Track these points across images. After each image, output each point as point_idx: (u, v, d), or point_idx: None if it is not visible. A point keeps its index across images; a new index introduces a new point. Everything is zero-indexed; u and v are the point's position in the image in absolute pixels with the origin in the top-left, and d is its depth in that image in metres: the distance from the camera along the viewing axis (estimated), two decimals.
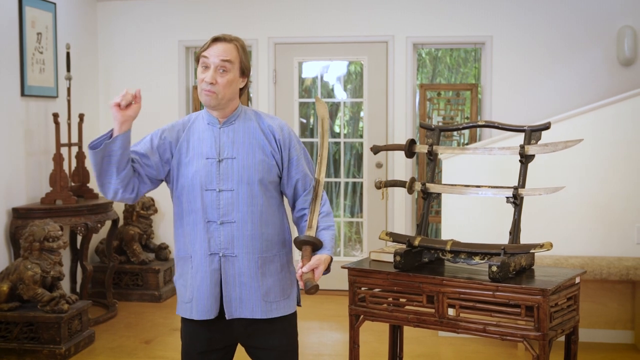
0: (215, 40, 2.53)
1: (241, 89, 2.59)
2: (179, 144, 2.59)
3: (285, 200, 2.66)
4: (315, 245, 2.48)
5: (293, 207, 2.66)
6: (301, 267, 2.41)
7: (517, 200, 2.89)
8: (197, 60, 2.59)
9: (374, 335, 4.84)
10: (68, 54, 5.50)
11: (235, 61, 2.53)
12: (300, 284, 2.42)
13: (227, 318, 2.53)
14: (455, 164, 4.92)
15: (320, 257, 2.46)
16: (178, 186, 2.58)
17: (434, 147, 3.11)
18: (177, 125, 2.64)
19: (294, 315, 2.65)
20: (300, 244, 2.49)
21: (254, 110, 2.66)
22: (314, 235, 2.51)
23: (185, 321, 2.62)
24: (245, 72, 2.58)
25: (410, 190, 3.14)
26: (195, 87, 6.43)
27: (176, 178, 2.58)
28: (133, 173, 2.55)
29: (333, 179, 6.47)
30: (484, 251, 2.85)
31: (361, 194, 6.40)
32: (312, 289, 2.36)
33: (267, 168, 2.55)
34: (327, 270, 2.50)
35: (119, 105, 2.46)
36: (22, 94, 5.26)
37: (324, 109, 2.76)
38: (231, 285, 2.52)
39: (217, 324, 2.55)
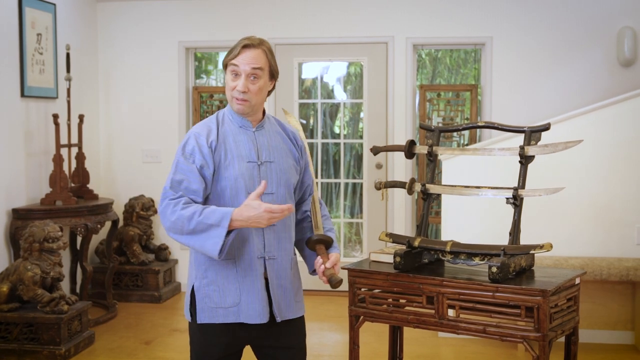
0: (245, 46, 2.49)
1: (269, 91, 2.60)
2: (217, 144, 2.50)
3: None
4: (327, 244, 2.57)
5: (295, 210, 2.68)
6: (322, 264, 2.49)
7: (517, 201, 2.88)
8: (224, 66, 2.54)
9: (374, 336, 4.84)
10: (68, 55, 5.50)
11: (265, 67, 2.51)
12: (324, 279, 2.51)
13: (277, 320, 2.52)
14: (455, 165, 4.92)
15: (337, 254, 2.56)
16: (217, 188, 2.50)
17: (434, 148, 3.11)
18: (209, 126, 2.53)
19: (303, 315, 2.71)
20: (314, 243, 2.56)
21: (272, 116, 2.69)
22: (320, 233, 2.60)
23: (202, 327, 2.53)
24: (274, 75, 2.57)
25: (410, 191, 3.14)
26: (195, 89, 6.43)
27: (216, 180, 2.49)
28: None
29: (333, 180, 6.47)
30: (484, 252, 2.85)
31: (361, 194, 6.40)
32: (338, 283, 2.46)
33: (295, 172, 2.61)
34: None
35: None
36: (22, 95, 5.26)
37: (296, 122, 2.82)
38: (275, 287, 2.53)
39: (236, 327, 2.52)
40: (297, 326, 2.62)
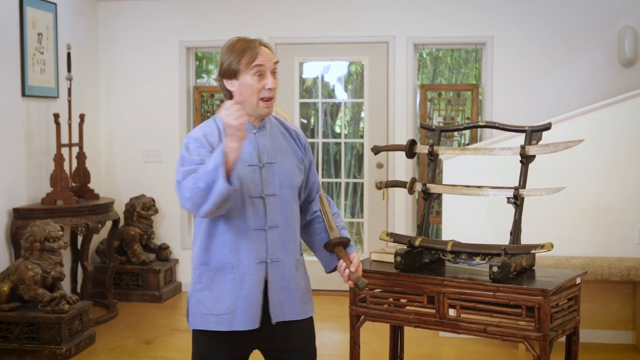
0: (259, 44, 2.46)
1: None
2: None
3: None
4: (345, 245, 2.54)
5: (302, 211, 2.65)
6: (346, 268, 2.47)
7: (517, 201, 2.88)
8: (235, 72, 2.42)
9: (375, 335, 4.84)
10: (69, 54, 5.50)
11: (278, 61, 2.53)
12: (350, 283, 2.49)
13: (272, 323, 2.48)
14: (456, 165, 4.92)
15: (357, 255, 2.54)
16: None
17: (435, 147, 3.11)
18: (213, 128, 2.48)
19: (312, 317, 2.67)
20: (334, 245, 2.53)
21: (272, 116, 2.62)
22: (338, 236, 2.57)
23: (206, 334, 2.49)
24: None
25: (411, 191, 3.14)
26: (196, 88, 6.43)
27: None
28: None
29: (334, 180, 6.47)
30: (485, 252, 2.85)
31: (362, 194, 6.40)
32: (365, 286, 2.46)
33: (299, 172, 2.56)
34: None
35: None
36: (23, 95, 5.26)
37: (282, 110, 2.76)
38: (277, 290, 2.48)
39: (241, 332, 2.47)
40: (305, 328, 2.58)
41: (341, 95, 6.56)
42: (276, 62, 2.48)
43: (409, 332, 4.32)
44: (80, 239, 5.63)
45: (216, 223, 2.45)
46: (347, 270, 2.47)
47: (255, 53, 2.43)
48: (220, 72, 2.48)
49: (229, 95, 2.49)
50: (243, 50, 2.43)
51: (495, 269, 2.70)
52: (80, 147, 5.65)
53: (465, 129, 3.21)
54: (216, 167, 2.24)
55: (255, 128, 2.51)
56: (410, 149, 3.15)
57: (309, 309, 2.59)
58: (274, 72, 2.46)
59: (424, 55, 8.09)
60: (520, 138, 2.98)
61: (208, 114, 6.44)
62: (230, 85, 2.46)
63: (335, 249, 2.52)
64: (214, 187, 2.24)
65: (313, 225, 2.65)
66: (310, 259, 6.68)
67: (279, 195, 2.48)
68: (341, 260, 2.49)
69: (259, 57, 2.43)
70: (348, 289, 3.03)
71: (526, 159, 2.92)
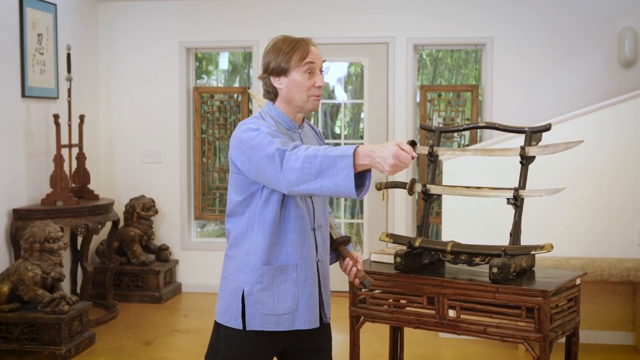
0: (310, 44, 2.48)
1: None
2: None
3: None
4: (347, 244, 2.55)
5: None
6: (352, 266, 2.48)
7: (517, 202, 2.88)
8: (284, 70, 2.41)
9: (375, 336, 4.84)
10: (69, 55, 5.50)
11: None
12: (356, 281, 2.49)
13: (324, 322, 2.51)
14: (456, 165, 4.92)
15: (358, 254, 2.54)
16: (268, 190, 2.38)
17: (435, 148, 3.11)
18: (269, 121, 2.43)
19: None
20: (339, 244, 2.53)
21: None
22: (337, 234, 2.58)
23: (241, 333, 2.43)
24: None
25: (411, 192, 3.14)
26: (196, 89, 6.43)
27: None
28: None
29: None
30: (485, 252, 2.85)
31: None
32: (371, 284, 2.48)
33: None
34: None
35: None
36: (23, 95, 5.26)
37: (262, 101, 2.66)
38: (325, 289, 2.51)
39: (283, 333, 2.45)
40: (328, 328, 2.60)
41: (341, 96, 6.56)
42: (324, 61, 2.51)
43: (409, 333, 4.32)
44: (80, 239, 5.63)
45: (283, 222, 2.40)
46: (354, 269, 2.48)
47: (307, 51, 2.44)
48: (266, 70, 2.46)
49: (274, 93, 2.46)
50: (294, 48, 2.44)
51: (495, 269, 2.70)
52: (80, 148, 5.65)
53: (465, 129, 3.21)
54: (342, 156, 2.14)
55: (299, 127, 2.52)
56: None
57: (331, 309, 2.62)
58: (322, 71, 2.49)
59: (424, 56, 8.09)
60: (520, 139, 2.98)
61: (208, 115, 6.44)
62: (277, 82, 2.45)
63: (340, 247, 2.52)
64: (325, 180, 2.16)
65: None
66: None
67: (319, 195, 2.43)
68: (347, 259, 2.49)
69: (310, 55, 2.45)
70: (348, 289, 3.03)
71: (526, 160, 2.92)
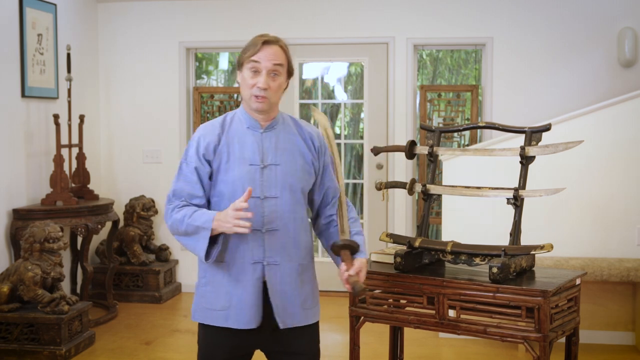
0: (265, 42, 2.46)
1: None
2: (219, 147, 2.48)
3: None
4: (353, 249, 2.47)
5: (318, 215, 2.64)
6: (345, 271, 2.42)
7: (517, 202, 2.88)
8: (239, 65, 2.49)
9: (375, 336, 4.84)
10: (69, 55, 5.50)
11: (284, 64, 2.50)
12: (347, 287, 2.44)
13: (280, 327, 2.48)
14: (456, 165, 4.92)
15: (362, 260, 2.46)
16: (216, 192, 2.49)
17: (435, 148, 3.11)
18: (215, 127, 2.52)
19: (318, 321, 2.65)
20: (339, 248, 2.47)
21: (290, 116, 2.62)
22: (348, 239, 2.51)
23: (207, 328, 2.54)
24: (291, 73, 2.55)
25: (411, 192, 3.14)
26: (195, 89, 6.43)
27: (214, 183, 2.49)
28: None
29: None
30: (485, 252, 2.85)
31: (362, 195, 6.40)
32: (362, 291, 2.42)
33: (307, 176, 2.53)
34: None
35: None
36: (23, 95, 5.26)
37: (323, 117, 2.73)
38: (276, 293, 2.47)
39: (241, 332, 2.49)
40: (308, 333, 2.57)
41: (341, 96, 6.56)
42: (277, 64, 2.46)
43: (409, 333, 4.32)
44: (80, 239, 5.63)
45: None
46: (345, 274, 2.42)
47: (257, 49, 2.44)
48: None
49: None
50: (250, 45, 2.47)
51: (495, 269, 2.70)
52: (80, 148, 5.65)
53: (465, 129, 3.21)
54: (200, 227, 2.38)
55: (262, 128, 2.51)
56: (410, 150, 3.15)
57: (311, 314, 2.57)
58: (272, 73, 2.45)
59: (424, 56, 8.10)
60: (520, 139, 2.98)
61: (208, 115, 6.44)
62: (238, 77, 2.52)
63: (340, 251, 2.47)
64: (190, 241, 2.42)
65: (328, 229, 2.63)
66: (319, 260, 6.65)
67: (280, 198, 2.46)
68: (343, 263, 2.47)
69: (258, 54, 2.44)
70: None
71: (526, 160, 2.92)
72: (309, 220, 2.65)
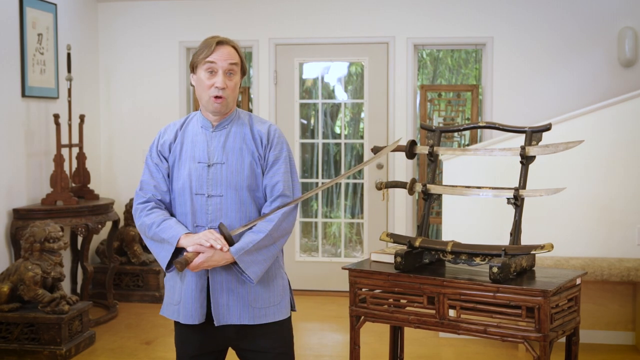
0: (218, 43, 2.50)
1: None
2: (175, 146, 2.56)
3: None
4: (228, 240, 2.43)
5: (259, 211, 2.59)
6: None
7: (517, 202, 2.88)
8: (193, 67, 2.54)
9: (375, 336, 4.84)
10: (69, 55, 5.51)
11: (238, 63, 2.53)
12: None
13: (215, 324, 2.51)
14: (456, 165, 4.92)
15: (215, 250, 2.41)
16: (173, 188, 2.56)
17: (435, 148, 3.11)
18: (175, 126, 2.61)
19: (286, 320, 2.64)
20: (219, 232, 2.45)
21: (249, 114, 2.63)
22: (237, 232, 2.47)
23: (177, 324, 2.62)
24: (245, 72, 2.59)
25: (411, 191, 3.14)
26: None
27: (171, 179, 2.57)
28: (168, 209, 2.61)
29: None
30: (485, 252, 2.85)
31: (362, 195, 6.40)
32: (177, 264, 2.39)
33: (255, 174, 2.53)
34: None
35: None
36: (23, 95, 5.26)
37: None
38: (218, 291, 2.50)
39: (207, 328, 2.54)
40: (273, 331, 2.58)
41: (341, 96, 6.56)
42: (233, 63, 2.49)
43: (409, 332, 4.32)
44: (80, 239, 5.63)
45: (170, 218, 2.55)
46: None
47: (211, 50, 2.48)
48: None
49: (194, 89, 2.58)
50: (203, 46, 2.51)
51: (495, 269, 2.70)
52: (80, 148, 5.65)
53: (465, 129, 3.21)
54: (165, 240, 2.46)
55: (213, 127, 2.55)
56: (410, 150, 3.15)
57: (265, 314, 2.55)
58: (228, 72, 2.48)
59: (424, 56, 8.10)
60: (520, 139, 2.98)
61: None
62: (192, 79, 2.56)
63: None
64: (155, 248, 2.49)
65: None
66: (310, 259, 6.66)
67: (225, 196, 2.48)
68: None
69: (213, 54, 2.48)
70: (348, 289, 3.03)
71: (526, 160, 2.92)
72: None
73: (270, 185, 2.54)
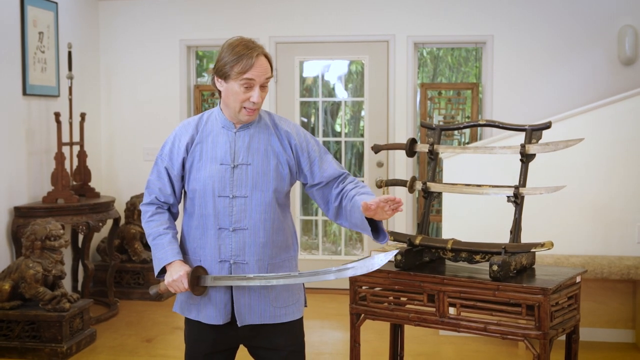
0: (257, 55, 2.41)
1: None
2: (193, 146, 2.52)
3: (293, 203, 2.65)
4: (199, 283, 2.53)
5: (328, 201, 2.58)
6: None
7: (517, 200, 2.89)
8: (225, 75, 2.42)
9: (375, 334, 4.85)
10: (70, 53, 5.51)
11: (271, 75, 2.49)
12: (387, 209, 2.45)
13: (238, 325, 2.51)
14: (456, 163, 4.92)
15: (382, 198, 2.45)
16: (190, 189, 2.53)
17: (435, 146, 3.11)
18: (190, 126, 2.56)
19: (301, 318, 2.65)
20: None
21: (270, 114, 2.61)
22: (222, 283, 2.53)
23: (189, 322, 2.60)
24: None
25: (411, 190, 3.14)
26: (196, 87, 6.44)
27: (188, 180, 2.54)
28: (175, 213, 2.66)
29: None
30: (485, 250, 2.85)
31: None
32: (151, 290, 2.62)
33: (280, 175, 2.52)
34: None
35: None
36: (24, 93, 5.27)
37: None
38: (241, 291, 2.49)
39: (223, 326, 2.54)
40: (288, 329, 2.58)
41: (341, 94, 6.56)
42: (268, 78, 2.45)
43: (409, 330, 4.33)
44: (81, 237, 5.64)
45: (189, 218, 2.56)
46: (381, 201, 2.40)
47: (250, 64, 2.39)
48: (214, 68, 2.48)
49: (218, 92, 2.52)
50: (240, 57, 2.39)
51: (495, 267, 2.71)
52: (81, 146, 5.65)
53: (465, 127, 3.21)
54: (156, 256, 2.53)
55: (236, 127, 2.52)
56: (410, 148, 3.15)
57: (285, 313, 2.56)
58: (263, 86, 2.44)
59: (424, 54, 8.10)
60: (521, 137, 2.99)
61: None
62: (219, 84, 2.49)
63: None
64: (153, 251, 2.54)
65: (341, 206, 2.55)
66: (311, 257, 6.65)
67: (250, 197, 2.47)
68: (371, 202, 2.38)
69: (252, 70, 2.39)
70: (348, 287, 3.04)
71: (526, 158, 2.92)
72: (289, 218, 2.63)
73: (333, 174, 2.58)
